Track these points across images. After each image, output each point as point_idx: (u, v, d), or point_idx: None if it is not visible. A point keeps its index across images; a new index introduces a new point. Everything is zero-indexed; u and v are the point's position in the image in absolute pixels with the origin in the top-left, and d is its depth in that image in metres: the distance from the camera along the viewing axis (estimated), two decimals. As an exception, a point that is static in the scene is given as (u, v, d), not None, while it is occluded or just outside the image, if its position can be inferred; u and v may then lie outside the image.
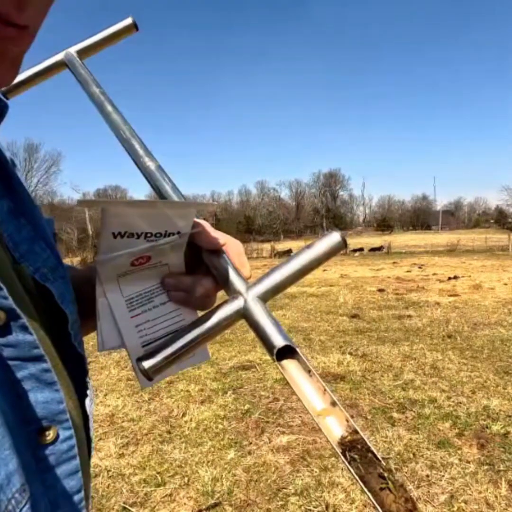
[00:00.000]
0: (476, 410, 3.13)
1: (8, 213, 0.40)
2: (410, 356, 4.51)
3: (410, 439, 2.77)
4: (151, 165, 0.53)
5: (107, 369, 4.45)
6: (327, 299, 8.34)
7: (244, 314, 0.44)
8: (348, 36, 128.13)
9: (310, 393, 0.38)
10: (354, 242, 36.00)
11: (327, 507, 2.16)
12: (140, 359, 0.43)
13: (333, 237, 0.46)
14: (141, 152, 0.54)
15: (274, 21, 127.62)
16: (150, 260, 0.46)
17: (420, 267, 14.68)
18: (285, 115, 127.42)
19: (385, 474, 0.32)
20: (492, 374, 3.88)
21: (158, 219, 0.42)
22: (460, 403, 3.29)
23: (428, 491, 2.25)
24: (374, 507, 0.31)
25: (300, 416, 3.15)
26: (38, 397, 0.33)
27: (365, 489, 0.32)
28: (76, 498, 0.35)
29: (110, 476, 2.51)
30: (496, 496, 2.18)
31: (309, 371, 0.39)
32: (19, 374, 0.32)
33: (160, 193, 0.52)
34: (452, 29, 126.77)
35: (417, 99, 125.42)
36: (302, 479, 2.39)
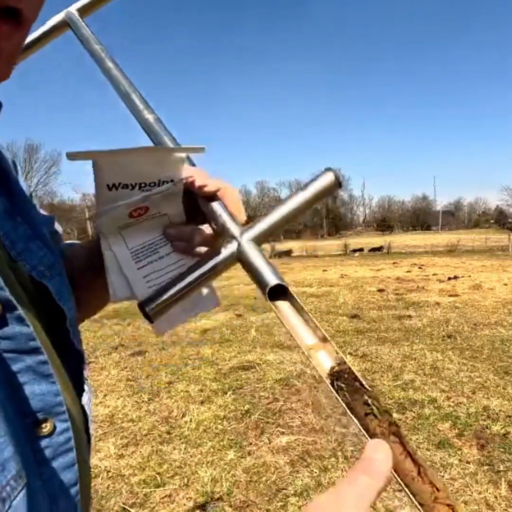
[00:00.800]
0: (476, 411, 3.13)
1: (4, 212, 0.40)
2: (410, 356, 4.51)
3: (410, 439, 2.77)
4: (150, 117, 0.53)
5: (107, 369, 4.45)
6: (327, 299, 8.34)
7: (238, 257, 0.44)
8: (348, 36, 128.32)
9: (302, 330, 0.39)
10: (354, 242, 36.02)
11: (326, 507, 2.16)
12: (141, 304, 0.44)
13: (327, 177, 0.44)
14: (140, 106, 0.54)
15: (274, 21, 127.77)
16: (148, 211, 0.46)
17: (420, 267, 14.67)
18: (285, 115, 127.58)
19: (369, 401, 0.34)
20: (492, 374, 3.87)
21: (149, 168, 0.42)
22: (460, 403, 3.29)
23: (428, 492, 2.25)
24: (360, 432, 0.33)
25: (300, 417, 3.15)
26: (35, 389, 0.33)
27: (351, 415, 0.34)
28: (73, 491, 0.35)
29: (109, 477, 2.51)
30: (496, 497, 2.18)
31: (301, 309, 0.40)
32: (16, 367, 0.32)
33: (159, 144, 0.52)
34: (452, 29, 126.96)
35: (417, 99, 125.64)
36: (301, 480, 2.39)
